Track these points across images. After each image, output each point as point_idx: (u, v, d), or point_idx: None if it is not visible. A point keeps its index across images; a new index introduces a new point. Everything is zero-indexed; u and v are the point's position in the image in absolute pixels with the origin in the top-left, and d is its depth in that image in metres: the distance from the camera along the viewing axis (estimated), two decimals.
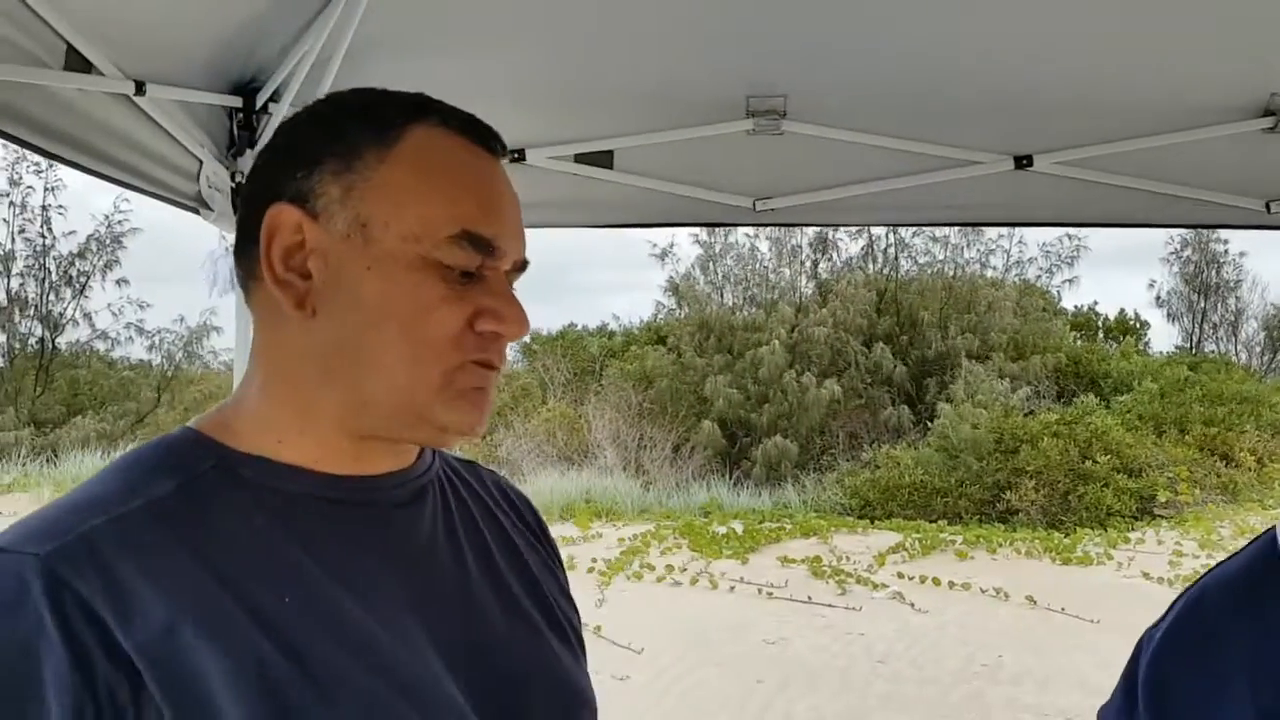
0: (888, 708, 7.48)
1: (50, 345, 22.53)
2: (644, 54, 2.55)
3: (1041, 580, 11.05)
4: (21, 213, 21.96)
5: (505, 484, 1.17)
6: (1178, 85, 2.65)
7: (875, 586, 10.98)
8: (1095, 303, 26.47)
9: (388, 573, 0.92)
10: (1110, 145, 2.83)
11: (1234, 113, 2.71)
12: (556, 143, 2.86)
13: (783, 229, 19.95)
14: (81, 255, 22.44)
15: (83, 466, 17.40)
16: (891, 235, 21.41)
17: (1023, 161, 2.86)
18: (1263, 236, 22.53)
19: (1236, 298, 26.82)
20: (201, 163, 2.46)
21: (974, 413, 16.74)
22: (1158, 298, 27.48)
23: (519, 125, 2.76)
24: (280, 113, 2.39)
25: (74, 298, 22.61)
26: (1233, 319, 26.90)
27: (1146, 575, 10.98)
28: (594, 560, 11.63)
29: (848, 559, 12.13)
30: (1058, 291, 22.60)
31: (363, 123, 0.92)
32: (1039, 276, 22.32)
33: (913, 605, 10.20)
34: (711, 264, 22.02)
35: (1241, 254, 26.44)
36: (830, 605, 10.24)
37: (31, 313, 22.47)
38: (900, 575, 11.35)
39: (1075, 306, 24.30)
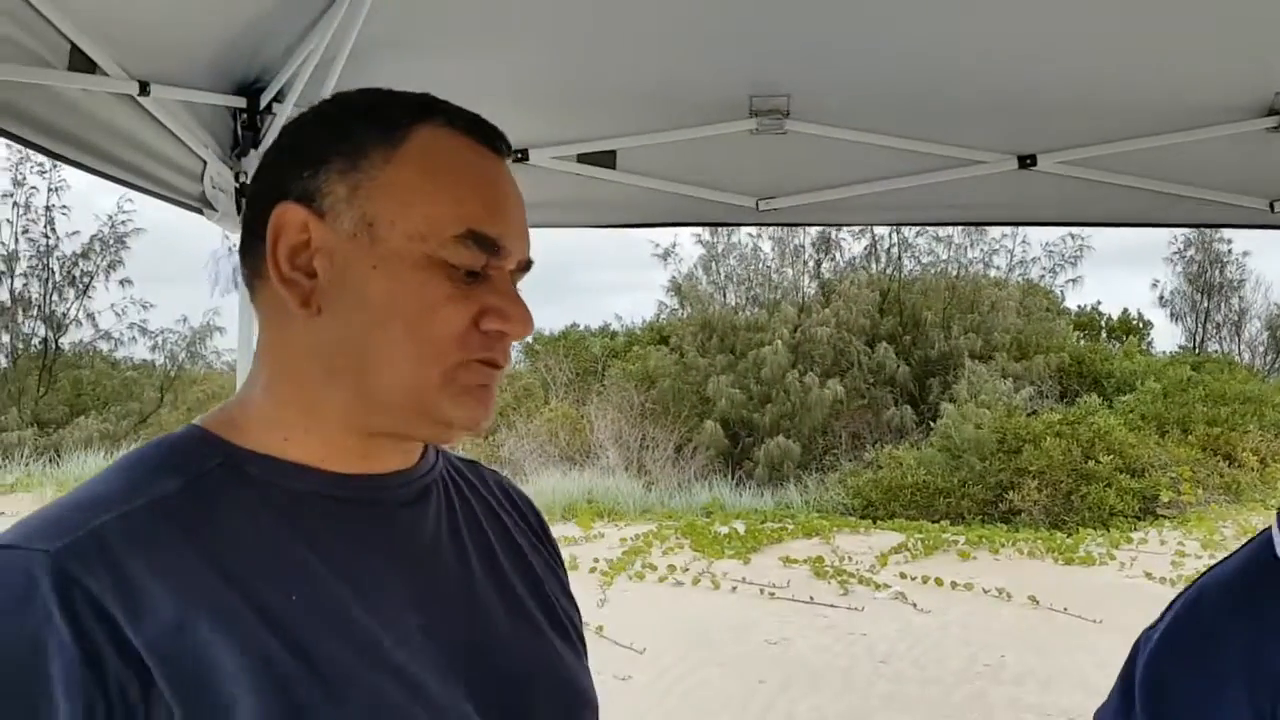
0: (890, 708, 7.47)
1: (53, 345, 22.58)
2: (647, 54, 2.55)
3: (1044, 580, 11.05)
4: (25, 213, 22.05)
5: (507, 484, 1.17)
6: (1181, 85, 2.65)
7: (878, 587, 10.98)
8: (1098, 302, 26.51)
9: (392, 572, 0.92)
10: (1114, 145, 2.83)
11: (1238, 112, 2.71)
12: (559, 143, 2.86)
13: (785, 229, 19.95)
14: (85, 255, 22.50)
15: (85, 467, 17.43)
16: (895, 235, 21.41)
17: (1026, 161, 2.86)
18: (1266, 236, 22.53)
19: (1240, 297, 26.84)
20: (205, 163, 2.46)
21: (977, 413, 16.74)
22: (1161, 297, 27.53)
23: (522, 125, 2.76)
24: (284, 113, 2.39)
25: (77, 298, 22.68)
26: (1236, 319, 26.91)
27: (1149, 575, 10.97)
28: (596, 560, 11.63)
29: (850, 559, 12.13)
30: (1061, 291, 22.64)
31: (369, 122, 0.92)
32: (1042, 276, 22.35)
33: (915, 605, 10.19)
34: (714, 264, 22.04)
35: (1245, 254, 26.49)
36: (833, 605, 10.24)
37: (35, 313, 22.53)
38: (903, 575, 11.34)
39: (1078, 306, 24.34)
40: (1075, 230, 20.82)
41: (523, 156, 2.80)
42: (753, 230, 20.82)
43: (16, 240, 22.04)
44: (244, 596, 0.82)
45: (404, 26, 2.34)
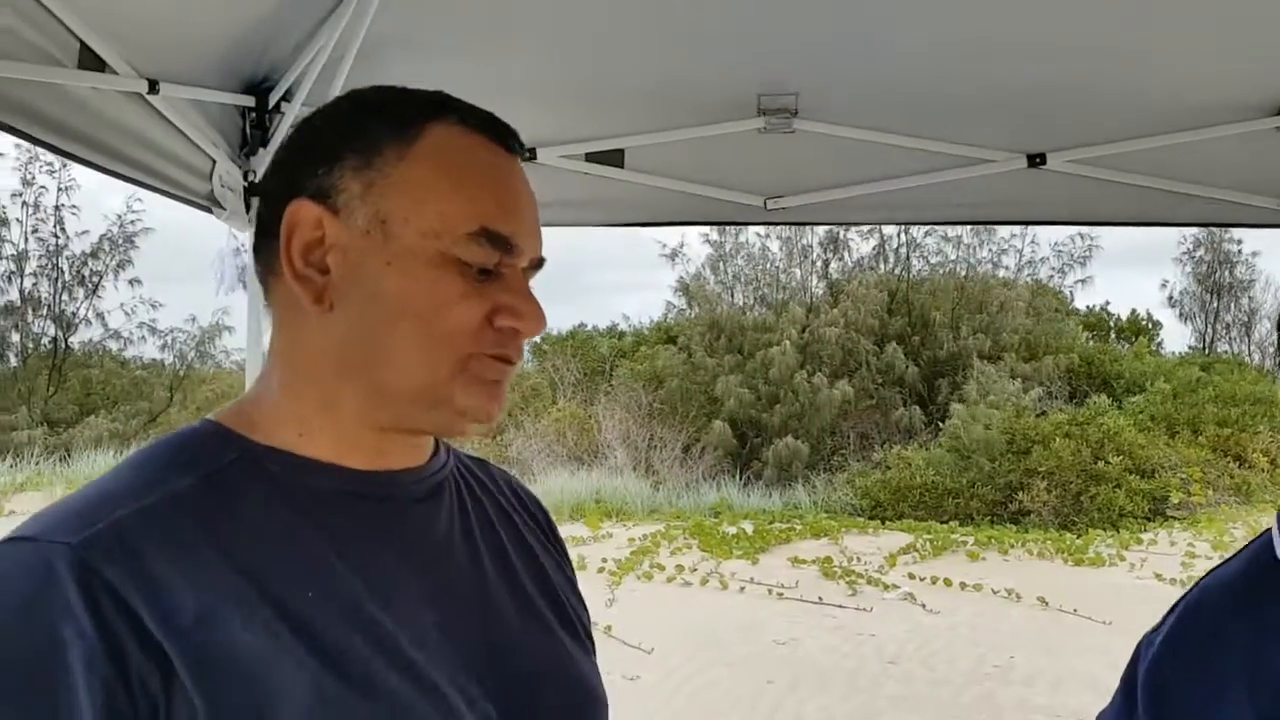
0: (899, 709, 7.46)
1: (63, 345, 22.65)
2: (655, 53, 2.55)
3: (1053, 581, 11.02)
4: (35, 212, 22.11)
5: (516, 483, 1.17)
6: (1191, 84, 2.64)
7: (886, 587, 10.96)
8: (1107, 303, 26.43)
9: (406, 569, 0.92)
10: (1123, 144, 2.83)
11: (1246, 111, 2.70)
12: (568, 141, 2.86)
13: (793, 228, 19.94)
14: (94, 255, 22.56)
15: (95, 466, 17.48)
16: (903, 235, 21.39)
17: (1035, 160, 2.86)
18: (1276, 235, 22.45)
19: (1250, 297, 26.76)
20: (214, 161, 2.47)
21: (986, 413, 16.70)
22: (1170, 298, 27.44)
23: (530, 124, 2.72)
24: (293, 112, 2.40)
25: (87, 297, 22.73)
26: (1246, 319, 26.82)
27: (1159, 576, 10.94)
28: (604, 560, 11.63)
29: (859, 560, 12.11)
30: (1070, 291, 22.59)
31: (383, 120, 0.92)
32: (1051, 276, 22.31)
33: (924, 606, 10.17)
34: (722, 264, 22.03)
35: (1255, 253, 26.39)
36: (841, 606, 10.23)
37: (44, 312, 22.60)
38: (911, 576, 11.33)
39: (1087, 306, 24.28)
40: (1084, 230, 20.79)
41: (531, 155, 2.80)
42: (761, 230, 20.81)
43: (26, 240, 22.14)
44: (262, 590, 0.82)
45: (412, 25, 2.34)
